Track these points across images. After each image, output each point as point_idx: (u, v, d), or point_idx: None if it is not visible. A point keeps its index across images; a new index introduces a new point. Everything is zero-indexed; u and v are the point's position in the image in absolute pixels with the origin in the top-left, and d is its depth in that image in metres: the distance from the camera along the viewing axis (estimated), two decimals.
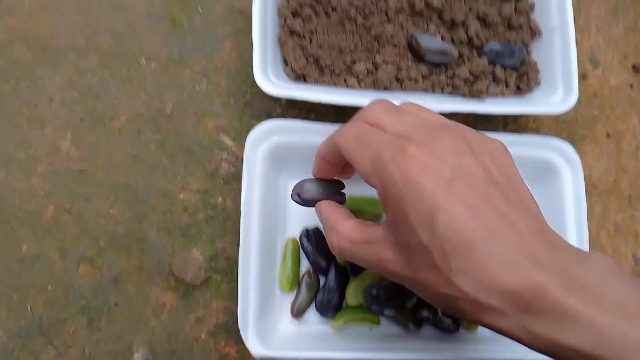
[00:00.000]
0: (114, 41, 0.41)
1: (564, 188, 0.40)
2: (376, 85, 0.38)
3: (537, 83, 0.41)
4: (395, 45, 0.39)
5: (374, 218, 0.39)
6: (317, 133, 0.37)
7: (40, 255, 0.38)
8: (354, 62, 0.39)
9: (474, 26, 0.40)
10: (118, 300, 0.38)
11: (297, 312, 0.38)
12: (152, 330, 0.38)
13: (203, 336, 0.39)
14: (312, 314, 0.38)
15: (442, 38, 0.40)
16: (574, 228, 0.39)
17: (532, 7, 0.42)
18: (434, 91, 0.40)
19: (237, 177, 0.40)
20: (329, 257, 0.38)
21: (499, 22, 0.41)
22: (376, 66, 0.39)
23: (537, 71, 0.41)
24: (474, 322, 0.26)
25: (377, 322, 0.38)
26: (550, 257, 0.23)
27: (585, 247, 0.39)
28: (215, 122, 0.41)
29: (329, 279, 0.38)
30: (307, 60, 0.38)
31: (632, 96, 0.46)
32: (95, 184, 0.39)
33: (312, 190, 0.33)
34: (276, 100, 0.42)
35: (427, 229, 0.24)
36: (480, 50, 0.41)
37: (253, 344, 0.34)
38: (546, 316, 0.22)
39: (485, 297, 0.23)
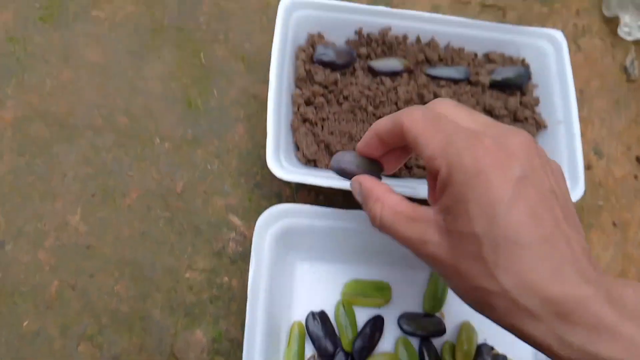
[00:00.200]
0: (130, 121, 0.43)
1: None
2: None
3: None
4: None
5: (380, 304, 0.39)
6: (325, 217, 0.37)
7: (41, 331, 0.38)
8: None
9: None
10: None
11: None
12: None
13: None
14: None
15: None
16: None
17: (537, 101, 0.43)
18: None
19: (244, 256, 0.40)
20: (335, 341, 0.38)
21: (505, 115, 0.42)
22: None
23: None
24: (500, 323, 0.26)
25: None
26: (596, 276, 0.24)
27: None
28: (225, 201, 0.42)
29: None
30: (318, 146, 0.39)
31: (637, 187, 0.47)
32: (101, 260, 0.39)
33: (352, 163, 0.32)
34: (286, 181, 0.42)
35: (485, 220, 0.24)
36: None
37: None
38: (584, 327, 0.23)
39: (525, 299, 0.24)
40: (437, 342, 0.39)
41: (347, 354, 0.37)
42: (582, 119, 0.46)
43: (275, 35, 0.40)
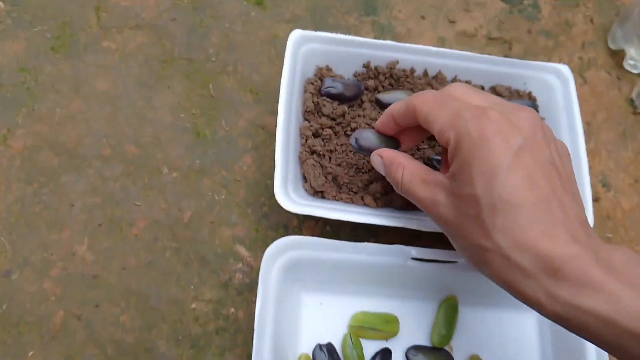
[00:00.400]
0: (138, 150, 0.43)
1: None
2: (391, 204, 0.39)
3: None
4: None
5: (387, 337, 0.38)
6: (333, 249, 0.37)
7: None
8: (371, 182, 0.39)
9: None
10: None
11: None
12: None
13: None
14: None
15: None
16: None
17: None
18: None
19: (251, 287, 0.40)
20: None
21: None
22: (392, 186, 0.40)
23: None
24: (496, 280, 0.28)
25: None
26: (586, 239, 0.26)
27: None
28: (232, 231, 0.42)
29: None
30: (325, 177, 0.39)
31: None
32: (107, 290, 0.39)
33: (371, 139, 0.36)
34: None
35: (484, 183, 0.26)
36: None
37: None
38: (571, 282, 0.24)
39: (518, 255, 0.26)
40: None
41: None
42: (589, 151, 0.46)
43: (284, 68, 0.40)
